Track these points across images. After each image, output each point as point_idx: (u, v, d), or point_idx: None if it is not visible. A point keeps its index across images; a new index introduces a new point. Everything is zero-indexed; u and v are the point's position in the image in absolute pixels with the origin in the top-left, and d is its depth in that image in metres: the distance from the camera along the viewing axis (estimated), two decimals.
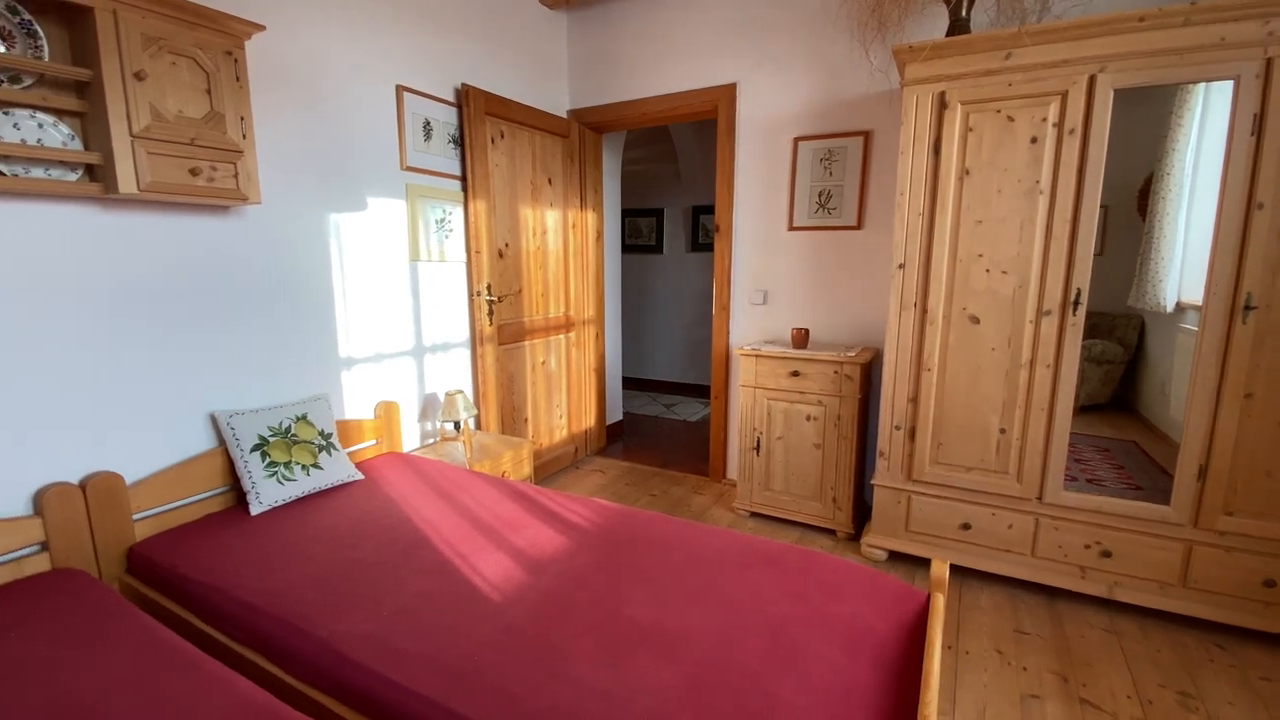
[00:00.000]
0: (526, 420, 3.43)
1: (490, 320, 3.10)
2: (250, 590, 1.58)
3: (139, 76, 1.67)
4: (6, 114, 1.55)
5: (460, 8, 2.90)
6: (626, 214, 5.87)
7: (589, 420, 3.97)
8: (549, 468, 3.61)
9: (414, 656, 1.32)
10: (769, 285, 3.22)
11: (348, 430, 2.48)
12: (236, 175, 1.92)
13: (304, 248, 2.31)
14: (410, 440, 2.83)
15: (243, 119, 1.92)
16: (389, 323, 2.68)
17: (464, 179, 2.97)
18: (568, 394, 3.77)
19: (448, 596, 1.55)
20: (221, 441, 2.08)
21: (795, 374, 2.79)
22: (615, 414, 4.38)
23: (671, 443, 4.34)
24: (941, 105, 2.26)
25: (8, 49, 1.54)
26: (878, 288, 2.94)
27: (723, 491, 3.40)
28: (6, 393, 1.63)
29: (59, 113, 1.64)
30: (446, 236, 2.94)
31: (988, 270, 2.28)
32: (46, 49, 1.60)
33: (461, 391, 2.76)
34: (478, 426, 3.15)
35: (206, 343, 2.04)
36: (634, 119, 3.53)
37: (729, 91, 3.17)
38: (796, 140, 3.03)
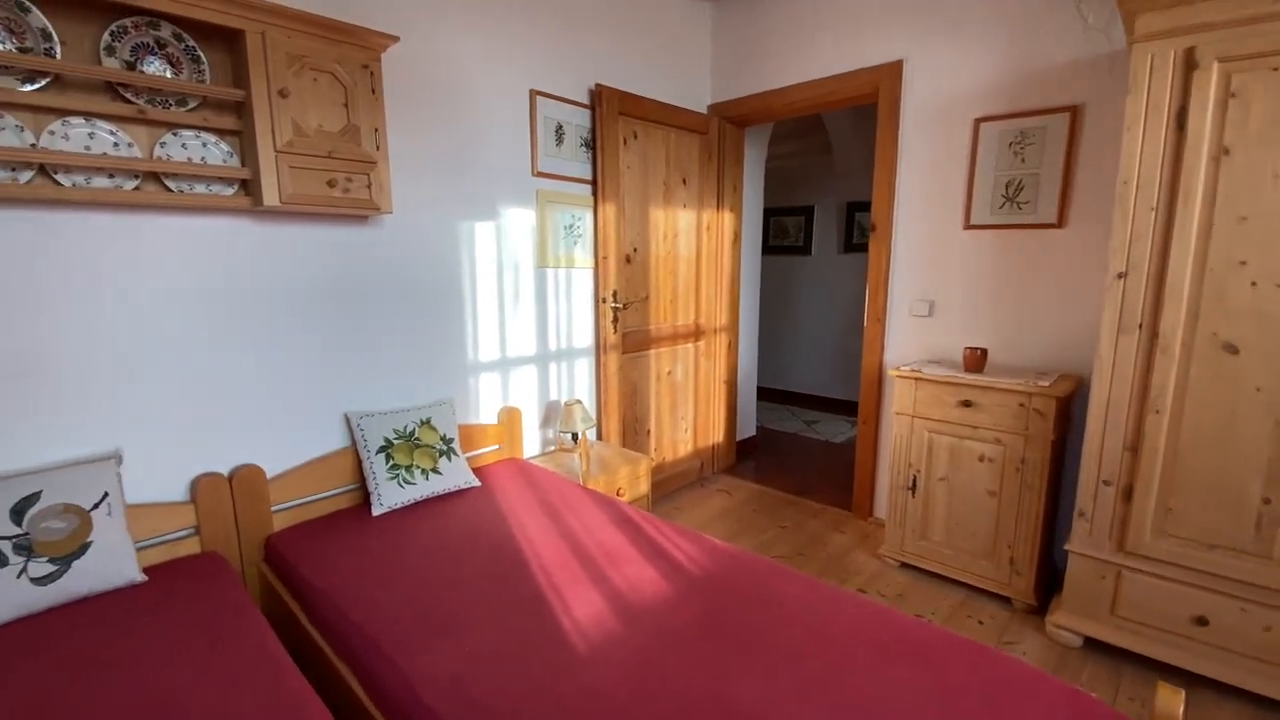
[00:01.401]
0: (649, 432, 3.27)
1: (615, 328, 2.98)
2: (353, 604, 1.57)
3: (283, 94, 1.74)
4: (175, 134, 1.69)
5: (596, 5, 2.80)
6: (771, 213, 5.50)
7: (717, 435, 3.72)
8: (671, 483, 3.42)
9: (486, 711, 1.19)
10: (936, 294, 2.73)
11: (471, 434, 2.50)
12: (370, 186, 1.97)
13: (435, 255, 2.34)
14: (531, 446, 2.81)
15: (376, 130, 1.96)
16: (514, 329, 2.67)
17: (594, 183, 2.88)
18: (694, 406, 3.55)
19: (534, 640, 1.41)
20: (353, 441, 2.17)
21: (966, 404, 2.31)
22: (747, 429, 4.08)
23: (810, 466, 3.93)
24: (1189, 65, 1.70)
25: (176, 74, 1.68)
26: (1083, 302, 2.34)
27: (868, 532, 2.97)
28: (172, 389, 1.79)
29: (220, 132, 1.77)
30: (575, 243, 2.87)
31: (1254, 284, 1.68)
32: (209, 73, 1.73)
33: (580, 402, 2.67)
34: (598, 437, 3.05)
35: (343, 346, 2.13)
36: (780, 109, 3.21)
37: (893, 71, 2.73)
38: (978, 122, 2.52)
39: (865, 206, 4.85)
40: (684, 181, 3.27)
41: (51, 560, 1.47)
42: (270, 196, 1.76)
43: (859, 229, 5.01)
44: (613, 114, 2.83)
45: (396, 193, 2.18)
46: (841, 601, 1.56)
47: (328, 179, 1.87)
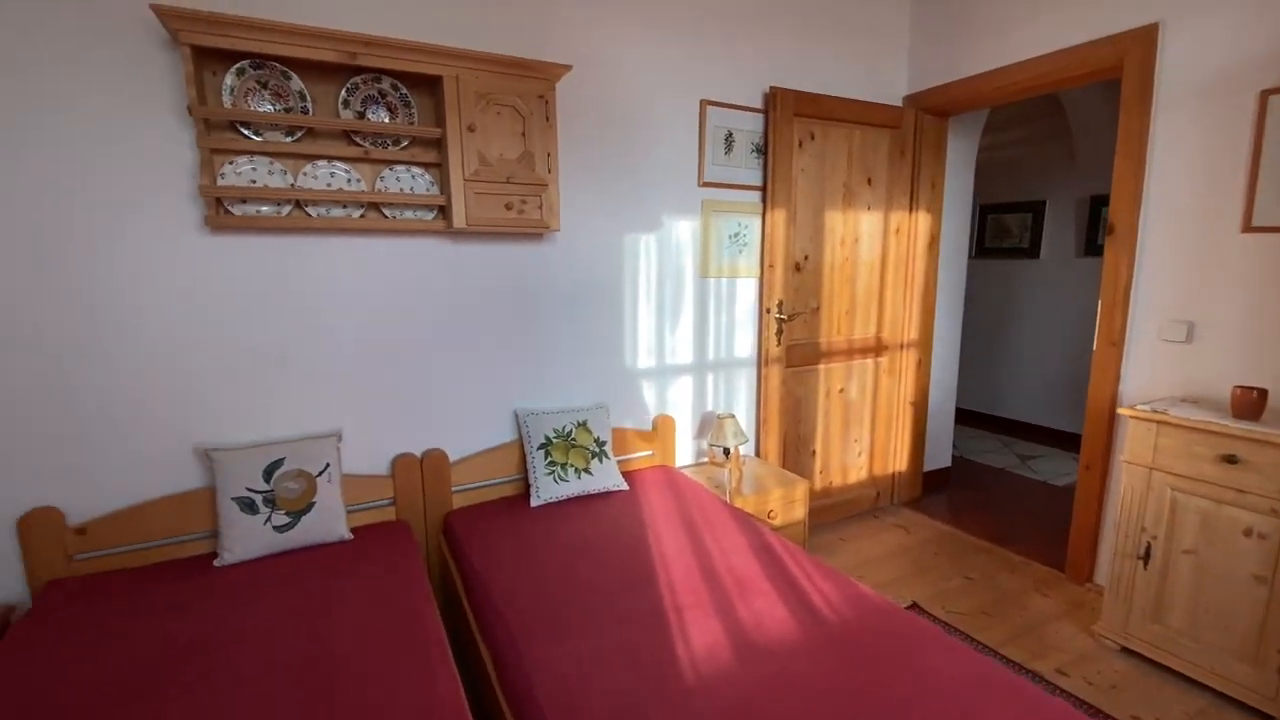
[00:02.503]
0: (814, 453, 3.07)
1: (778, 340, 2.85)
2: (499, 586, 1.72)
3: (471, 129, 1.98)
4: (391, 169, 2.02)
5: (773, 6, 2.69)
6: (989, 210, 4.79)
7: (898, 463, 3.35)
8: (838, 511, 3.17)
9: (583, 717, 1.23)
10: (1197, 314, 2.13)
11: (624, 438, 2.59)
12: (541, 206, 2.14)
13: (598, 266, 2.47)
14: (684, 455, 2.81)
15: (549, 155, 2.12)
16: (673, 339, 2.70)
17: (764, 189, 2.78)
18: (871, 429, 3.24)
19: (645, 659, 1.41)
20: (519, 435, 2.38)
21: (1231, 459, 1.77)
22: (939, 458, 3.61)
23: (1017, 509, 3.35)
24: None
25: (393, 119, 2.00)
26: None
27: (1082, 600, 2.43)
28: (382, 381, 2.14)
29: (424, 165, 2.07)
30: (740, 251, 2.80)
31: None
32: (417, 115, 2.03)
33: (733, 416, 2.60)
34: (756, 453, 2.95)
35: (515, 348, 2.36)
36: (990, 94, 2.77)
37: (1143, 38, 2.18)
38: (1265, 95, 1.90)
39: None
40: (868, 182, 3.00)
41: (288, 514, 1.86)
42: (458, 220, 2.01)
43: (1104, 228, 4.11)
44: (787, 116, 2.70)
45: (565, 209, 2.34)
46: (1017, 692, 1.29)
47: (505, 202, 2.08)
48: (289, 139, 1.87)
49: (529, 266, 2.34)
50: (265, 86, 1.82)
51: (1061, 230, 4.39)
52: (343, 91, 1.92)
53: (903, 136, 3.04)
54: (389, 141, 2.00)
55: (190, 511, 1.86)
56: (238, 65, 1.77)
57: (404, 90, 1.99)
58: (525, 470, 2.36)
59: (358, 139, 1.96)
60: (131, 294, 1.77)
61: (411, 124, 2.02)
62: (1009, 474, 3.91)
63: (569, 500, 2.28)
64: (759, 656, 1.41)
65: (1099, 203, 4.11)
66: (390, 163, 2.01)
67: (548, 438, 2.32)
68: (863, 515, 3.25)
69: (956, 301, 3.50)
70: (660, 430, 2.66)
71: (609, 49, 2.36)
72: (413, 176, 2.05)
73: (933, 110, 3.04)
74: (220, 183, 1.79)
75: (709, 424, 2.84)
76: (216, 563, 1.79)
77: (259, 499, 1.84)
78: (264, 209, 1.85)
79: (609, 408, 2.50)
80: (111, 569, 1.77)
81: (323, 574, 1.75)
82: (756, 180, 2.79)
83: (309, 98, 1.88)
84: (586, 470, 2.32)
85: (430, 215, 2.09)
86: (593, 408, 2.45)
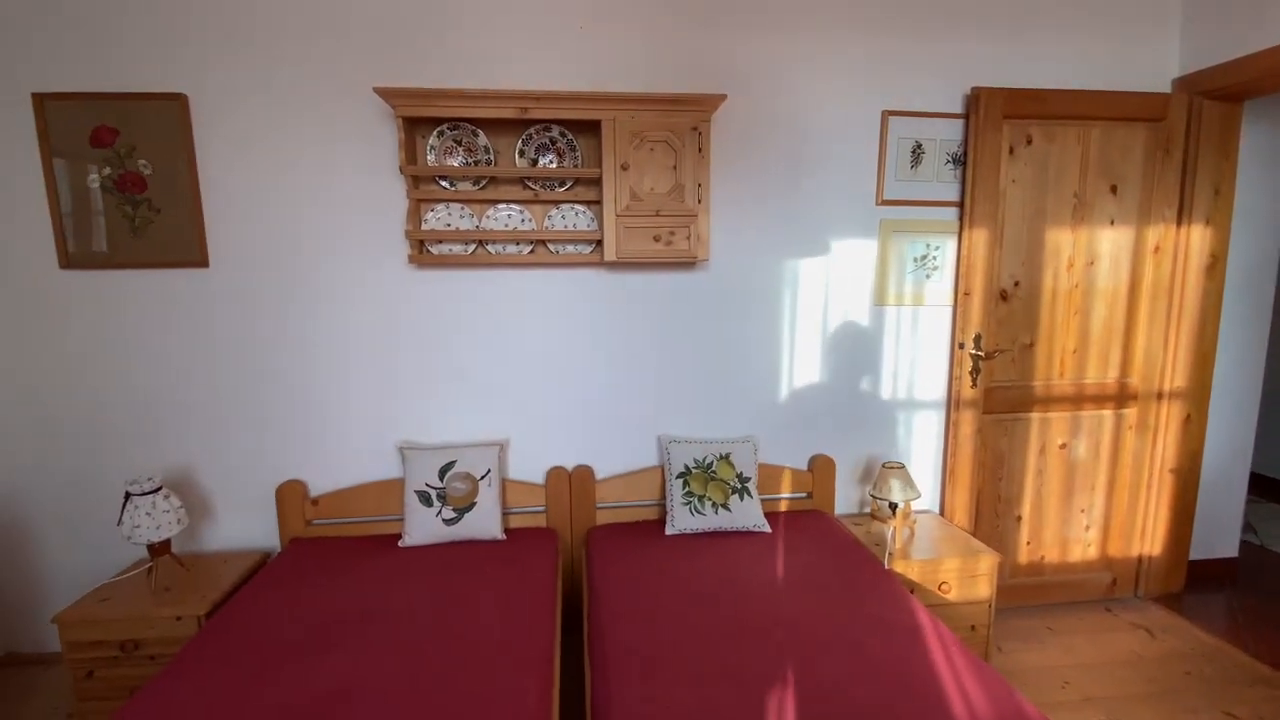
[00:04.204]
0: (1019, 519, 2.55)
1: (973, 380, 2.43)
2: (609, 616, 1.73)
3: (624, 167, 2.07)
4: (557, 208, 2.22)
5: None
6: None
7: (1148, 545, 2.61)
8: (1050, 594, 2.58)
9: None
10: None
11: (774, 476, 2.45)
12: (689, 237, 2.15)
13: (754, 294, 2.39)
14: (845, 502, 2.56)
15: (700, 186, 2.12)
16: (837, 372, 2.48)
17: (961, 204, 2.41)
18: (1106, 497, 2.58)
19: None
20: (660, 461, 2.41)
21: None
22: (1219, 545, 2.73)
23: None
24: None
25: (560, 163, 2.19)
26: None
27: None
28: (543, 398, 2.35)
29: (587, 203, 2.22)
30: (927, 276, 2.47)
31: None
32: (581, 157, 2.19)
33: (902, 466, 2.29)
34: (940, 512, 2.55)
35: (664, 374, 2.40)
36: None
37: None
38: None
39: None
40: (1112, 190, 2.40)
41: (454, 509, 2.15)
42: (609, 253, 2.12)
43: None
44: (994, 119, 2.31)
45: (718, 236, 2.31)
46: None
47: (654, 234, 2.13)
48: (475, 187, 2.17)
49: (680, 294, 2.36)
50: (460, 144, 2.14)
51: None
52: (519, 142, 2.17)
53: (1168, 130, 2.38)
54: (555, 184, 2.19)
55: (388, 497, 2.26)
56: (438, 128, 2.11)
57: (570, 136, 2.17)
58: (665, 496, 2.38)
59: (530, 183, 2.19)
60: (354, 317, 2.22)
61: (576, 166, 2.19)
62: None
63: (703, 534, 2.24)
64: None
65: None
66: (557, 202, 2.21)
67: (687, 467, 2.31)
68: (1088, 605, 2.60)
69: (1254, 341, 2.62)
70: (817, 471, 2.46)
71: (774, 71, 2.27)
72: (576, 214, 2.22)
73: (1219, 94, 2.32)
74: (423, 227, 2.15)
75: (875, 470, 2.54)
76: (400, 543, 2.15)
77: (434, 494, 2.15)
78: (454, 248, 2.17)
79: (757, 442, 2.39)
80: (331, 536, 2.24)
81: (472, 568, 1.98)
82: (952, 195, 2.43)
83: (492, 150, 2.16)
84: (725, 506, 2.25)
85: (588, 249, 2.23)
86: (738, 440, 2.37)
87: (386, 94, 1.95)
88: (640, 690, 1.43)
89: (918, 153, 2.39)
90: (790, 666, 1.50)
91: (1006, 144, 2.35)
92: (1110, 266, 2.46)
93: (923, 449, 2.56)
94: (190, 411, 2.21)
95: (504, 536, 2.20)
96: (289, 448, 2.26)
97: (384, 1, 2.08)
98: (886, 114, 2.35)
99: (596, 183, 2.18)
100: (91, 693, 1.83)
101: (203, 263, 2.13)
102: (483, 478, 2.20)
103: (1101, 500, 2.59)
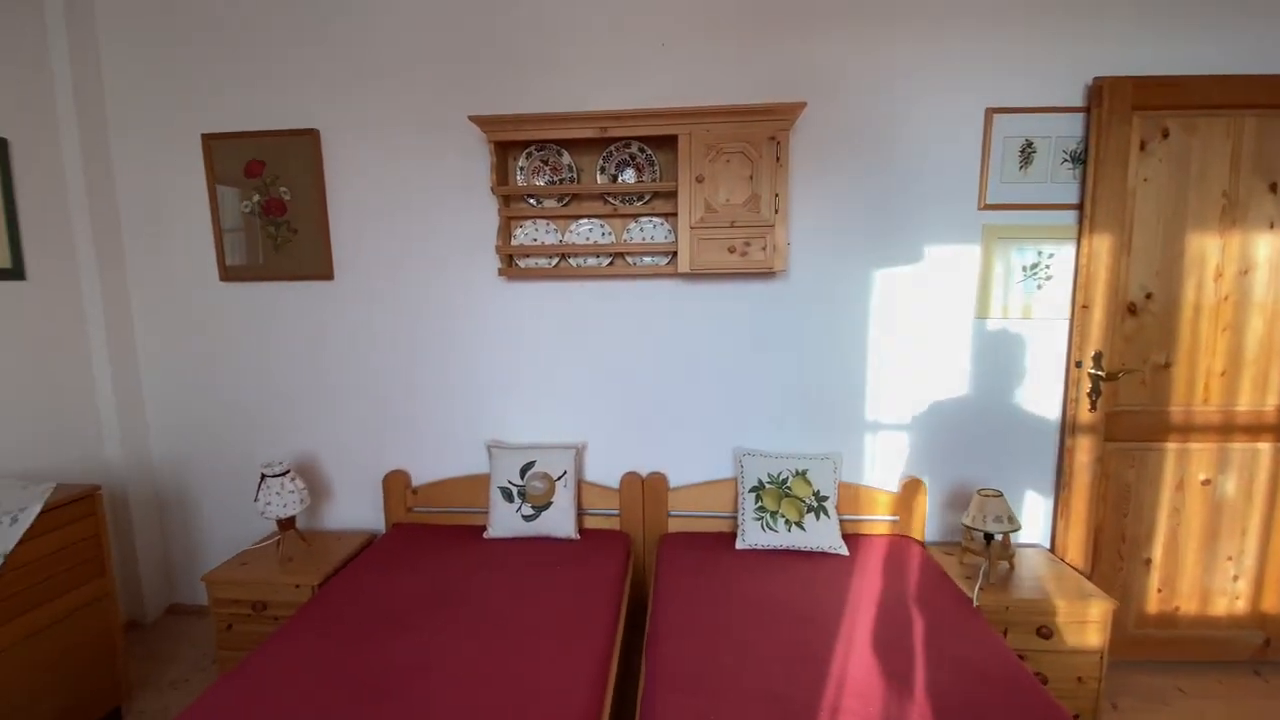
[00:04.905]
0: (1148, 562, 2.24)
1: (1092, 402, 2.18)
2: (665, 625, 1.76)
3: (699, 179, 2.09)
4: (636, 222, 2.28)
5: None
6: None
7: None
8: (1184, 649, 2.24)
9: None
10: None
11: (858, 497, 2.35)
12: (765, 248, 2.12)
13: (838, 305, 2.30)
14: (938, 529, 2.39)
15: (777, 196, 2.09)
16: (930, 390, 2.32)
17: (1081, 207, 2.17)
18: (1261, 543, 2.20)
19: None
20: (736, 473, 2.39)
21: None
22: None
23: None
24: None
25: (639, 177, 2.25)
26: None
27: None
28: (621, 404, 2.43)
29: (663, 215, 2.26)
30: (1038, 286, 2.24)
31: None
32: (660, 171, 2.24)
33: (1000, 495, 2.09)
34: (1052, 547, 2.31)
35: (740, 386, 2.38)
36: None
37: None
38: None
39: None
40: (1271, 188, 2.05)
41: (533, 507, 2.28)
42: (683, 265, 2.14)
43: None
44: (1122, 112, 2.06)
45: (800, 246, 2.26)
46: None
47: (729, 245, 2.13)
48: (560, 204, 2.29)
49: (758, 306, 2.33)
50: (546, 164, 2.27)
51: None
52: (600, 159, 2.25)
53: None
54: (634, 198, 2.25)
55: (478, 491, 2.44)
56: (526, 150, 2.25)
57: (649, 151, 2.22)
58: (737, 509, 2.36)
59: (610, 198, 2.27)
60: (452, 324, 2.42)
61: (655, 180, 2.24)
62: None
63: (775, 551, 2.19)
64: None
65: None
66: (635, 216, 2.27)
67: (760, 481, 2.27)
68: (1232, 666, 2.23)
69: None
70: (907, 495, 2.32)
71: (859, 73, 2.18)
72: (654, 226, 2.27)
73: None
74: (512, 243, 2.30)
75: (971, 497, 2.35)
76: (485, 535, 2.31)
77: (515, 490, 2.30)
78: (540, 261, 2.30)
79: (839, 460, 2.30)
80: (427, 523, 2.46)
81: (545, 565, 2.09)
82: (1069, 197, 2.19)
83: (576, 168, 2.26)
84: (799, 524, 2.19)
85: (664, 261, 2.27)
86: (818, 457, 2.29)
87: (480, 122, 2.11)
88: (683, 702, 1.44)
89: (1027, 152, 2.19)
90: (847, 701, 1.45)
91: (1137, 138, 2.08)
92: (1270, 276, 2.10)
93: (1029, 477, 2.33)
94: (316, 404, 2.52)
95: (578, 536, 2.30)
96: (396, 440, 2.51)
97: (480, 34, 2.25)
98: (991, 111, 2.17)
99: (673, 195, 2.21)
100: (230, 643, 2.15)
101: (329, 275, 2.43)
102: (559, 478, 2.30)
103: (1254, 547, 2.21)
